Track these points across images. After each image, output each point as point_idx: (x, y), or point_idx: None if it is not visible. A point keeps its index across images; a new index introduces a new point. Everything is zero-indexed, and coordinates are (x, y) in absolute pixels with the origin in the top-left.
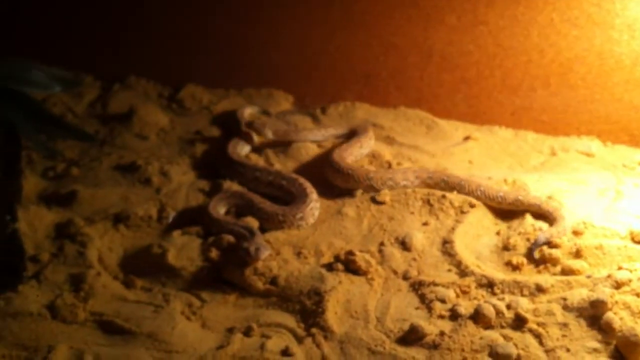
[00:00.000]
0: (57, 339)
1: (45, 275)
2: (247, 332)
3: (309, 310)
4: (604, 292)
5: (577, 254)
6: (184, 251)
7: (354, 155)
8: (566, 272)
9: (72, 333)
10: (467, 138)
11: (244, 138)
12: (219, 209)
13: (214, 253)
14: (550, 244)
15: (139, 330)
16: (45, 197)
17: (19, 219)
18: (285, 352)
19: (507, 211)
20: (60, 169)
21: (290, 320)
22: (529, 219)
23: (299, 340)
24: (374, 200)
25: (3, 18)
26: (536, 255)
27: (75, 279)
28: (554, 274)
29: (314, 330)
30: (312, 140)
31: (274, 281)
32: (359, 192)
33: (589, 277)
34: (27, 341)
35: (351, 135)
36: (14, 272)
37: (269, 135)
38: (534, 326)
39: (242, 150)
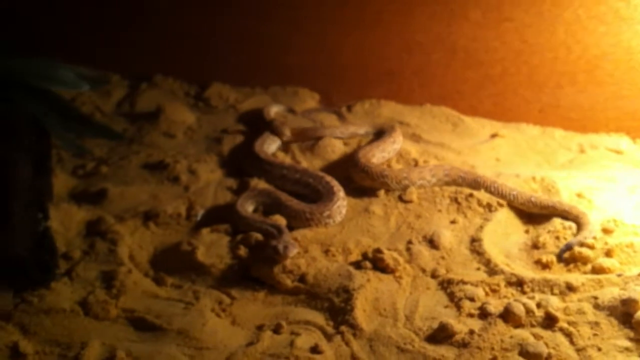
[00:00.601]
0: (89, 335)
1: (77, 273)
2: (277, 330)
3: (337, 308)
4: (636, 291)
5: (608, 253)
6: (213, 249)
7: (380, 155)
8: (597, 270)
9: (104, 329)
10: (493, 135)
11: (275, 132)
12: (247, 207)
13: (242, 250)
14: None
15: (170, 326)
16: (76, 195)
17: (51, 217)
18: (315, 349)
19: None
20: (89, 167)
21: (319, 318)
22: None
23: (328, 337)
24: (401, 199)
25: (32, 18)
26: (565, 256)
27: (107, 276)
28: (585, 273)
29: (342, 328)
30: (334, 137)
31: (302, 279)
32: (382, 192)
33: (619, 275)
34: (60, 337)
35: (378, 134)
36: (47, 270)
37: (287, 134)
38: (565, 325)
39: (269, 148)
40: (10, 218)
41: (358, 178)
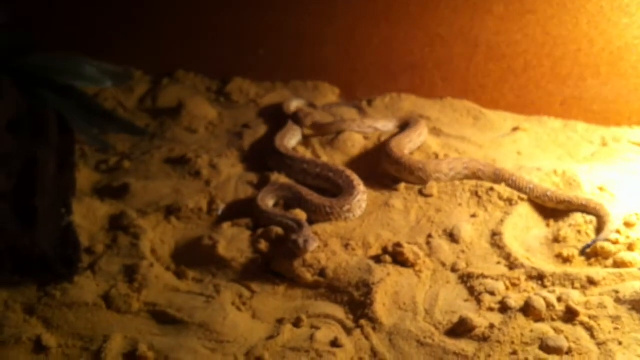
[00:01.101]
0: (112, 329)
1: (99, 267)
2: (297, 323)
3: (357, 301)
4: None
5: (630, 247)
6: (234, 243)
7: (408, 147)
8: (618, 264)
9: (126, 323)
10: (515, 129)
11: (297, 121)
12: (268, 202)
13: (263, 245)
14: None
15: (191, 320)
16: (99, 189)
17: (74, 211)
18: (335, 343)
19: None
20: (112, 163)
21: (339, 312)
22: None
23: (348, 331)
24: (421, 193)
25: (56, 14)
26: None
27: (129, 270)
28: (606, 267)
29: (362, 321)
30: (356, 131)
31: (322, 273)
32: (402, 185)
33: None
34: (83, 331)
35: (402, 127)
36: (70, 264)
37: (308, 124)
38: (586, 319)
39: (290, 142)
40: (36, 213)
41: (392, 170)
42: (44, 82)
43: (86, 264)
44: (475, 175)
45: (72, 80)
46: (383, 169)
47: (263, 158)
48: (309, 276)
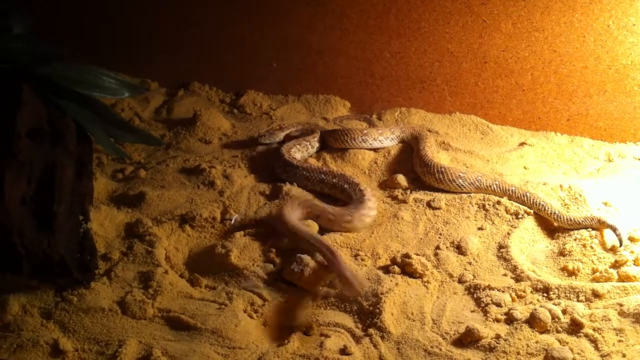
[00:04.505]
0: (127, 334)
1: (115, 273)
2: (307, 331)
3: (366, 311)
4: None
5: (635, 261)
6: (246, 251)
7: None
8: (623, 278)
9: (141, 328)
10: (522, 144)
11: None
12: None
13: (274, 254)
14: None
15: (204, 326)
16: (115, 198)
17: (91, 218)
18: (344, 351)
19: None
20: (128, 171)
21: (348, 321)
22: None
23: (357, 340)
24: (429, 205)
25: (76, 27)
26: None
27: (144, 276)
28: (610, 280)
29: (371, 330)
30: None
31: (332, 283)
32: (411, 197)
33: None
34: (98, 335)
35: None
36: (86, 269)
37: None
38: (590, 331)
39: (299, 154)
40: (54, 219)
41: (431, 180)
42: (64, 92)
43: (102, 270)
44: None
45: (90, 90)
46: (420, 177)
47: (274, 168)
48: (319, 286)
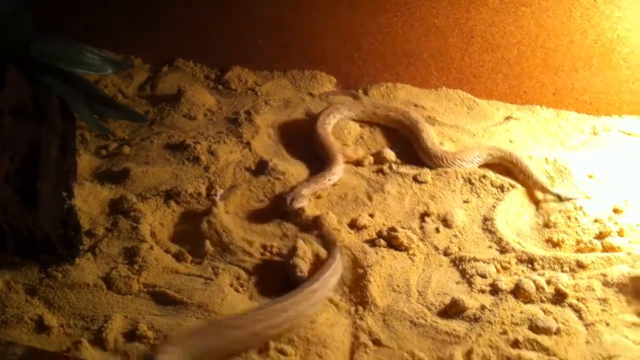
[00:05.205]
0: (112, 309)
1: (100, 249)
2: None
3: (352, 283)
4: None
5: (619, 232)
6: (231, 227)
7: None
8: (607, 249)
9: (126, 303)
10: (508, 118)
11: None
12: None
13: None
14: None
15: (190, 301)
16: (99, 174)
17: (75, 195)
18: (330, 323)
19: None
20: (112, 148)
21: (334, 293)
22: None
23: (343, 312)
24: (415, 179)
25: (58, 4)
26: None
27: (129, 252)
28: (594, 251)
29: (357, 303)
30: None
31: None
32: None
33: (629, 253)
34: (83, 311)
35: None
36: (71, 246)
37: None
38: (574, 301)
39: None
40: (38, 196)
41: (432, 163)
42: (47, 69)
43: (87, 247)
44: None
45: (73, 67)
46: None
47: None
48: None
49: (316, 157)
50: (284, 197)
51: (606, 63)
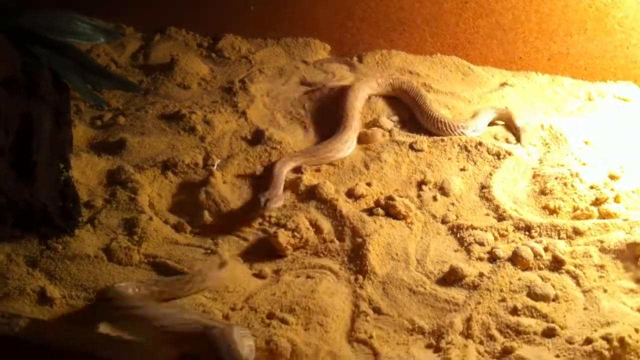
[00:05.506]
0: (113, 280)
1: (99, 220)
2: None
3: (351, 253)
4: None
5: (615, 199)
6: (230, 196)
7: None
8: (603, 215)
9: (127, 274)
10: (503, 84)
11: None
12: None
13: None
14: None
15: (191, 271)
16: (95, 145)
17: (72, 166)
18: (331, 292)
19: None
20: (107, 119)
21: (334, 263)
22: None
23: (343, 281)
24: (412, 147)
25: None
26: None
27: (128, 223)
28: (591, 217)
29: (356, 272)
30: None
31: (317, 227)
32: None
33: (625, 220)
34: (85, 282)
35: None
36: (70, 217)
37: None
38: (571, 268)
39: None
40: (35, 168)
41: (434, 130)
42: (37, 40)
43: (86, 218)
44: None
45: (64, 37)
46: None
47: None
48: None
49: (316, 122)
50: (258, 198)
51: (601, 28)
